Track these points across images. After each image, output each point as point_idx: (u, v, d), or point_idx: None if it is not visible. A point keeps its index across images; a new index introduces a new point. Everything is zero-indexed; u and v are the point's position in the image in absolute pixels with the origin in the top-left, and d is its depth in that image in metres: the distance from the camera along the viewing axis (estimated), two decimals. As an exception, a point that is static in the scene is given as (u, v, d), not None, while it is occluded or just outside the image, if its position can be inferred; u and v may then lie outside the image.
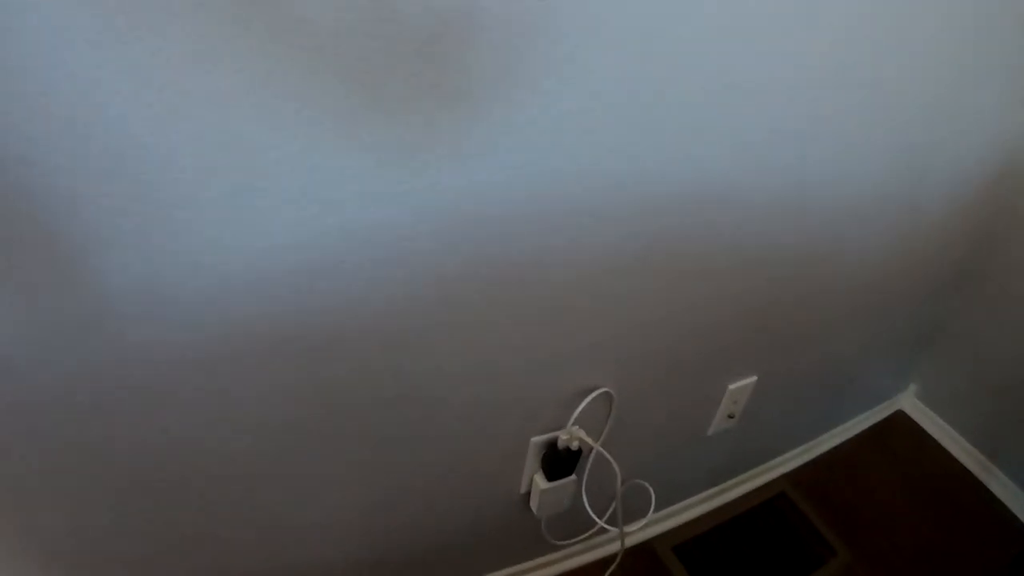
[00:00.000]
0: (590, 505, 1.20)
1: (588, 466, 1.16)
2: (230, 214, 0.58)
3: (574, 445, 1.06)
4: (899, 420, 1.90)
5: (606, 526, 1.22)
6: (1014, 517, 1.70)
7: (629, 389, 1.09)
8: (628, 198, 0.82)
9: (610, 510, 1.27)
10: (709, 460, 1.47)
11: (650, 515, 1.26)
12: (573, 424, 1.05)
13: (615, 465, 1.06)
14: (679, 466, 1.40)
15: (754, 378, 1.32)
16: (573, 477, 1.12)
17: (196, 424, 0.73)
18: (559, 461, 1.08)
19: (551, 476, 1.10)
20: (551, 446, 1.08)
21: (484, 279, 0.79)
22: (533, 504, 1.13)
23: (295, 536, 0.97)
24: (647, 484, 1.25)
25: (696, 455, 1.41)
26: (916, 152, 1.10)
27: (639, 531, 1.48)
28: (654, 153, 0.78)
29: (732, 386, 1.29)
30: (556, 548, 1.36)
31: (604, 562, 1.42)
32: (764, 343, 1.25)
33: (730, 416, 1.37)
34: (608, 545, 1.46)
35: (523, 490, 1.16)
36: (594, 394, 1.03)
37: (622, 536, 1.23)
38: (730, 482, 1.62)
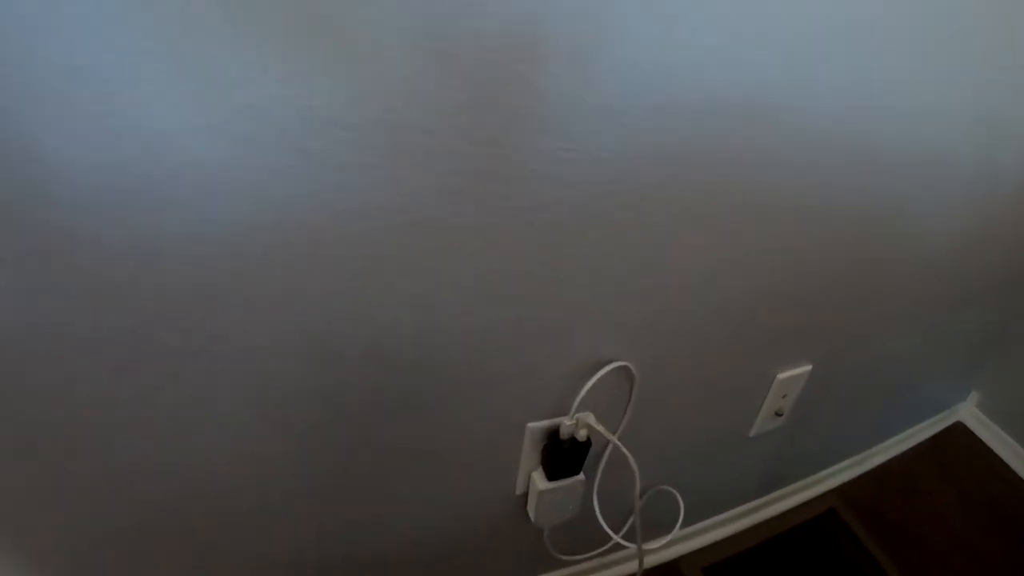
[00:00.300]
0: (603, 515, 0.91)
1: (601, 465, 0.88)
2: None
3: (581, 435, 0.77)
4: (958, 432, 1.60)
5: (623, 542, 0.93)
6: (1082, 538, 1.38)
7: (655, 366, 0.81)
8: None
9: (628, 523, 0.98)
10: (749, 467, 1.17)
11: (676, 530, 0.97)
12: (579, 408, 0.76)
13: (634, 465, 0.77)
14: (714, 472, 1.10)
15: (808, 367, 1.02)
16: (580, 477, 0.84)
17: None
18: (562, 455, 0.79)
19: (553, 474, 0.82)
20: (552, 436, 0.79)
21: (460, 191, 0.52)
22: (531, 509, 0.85)
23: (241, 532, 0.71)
24: (674, 492, 0.96)
25: (734, 460, 1.11)
26: (997, 124, 0.83)
27: (662, 549, 1.18)
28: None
29: (782, 375, 0.99)
30: (561, 564, 1.07)
31: (619, 584, 1.11)
32: (820, 326, 0.96)
33: (777, 414, 1.07)
34: (625, 564, 1.16)
35: (519, 491, 0.87)
36: (608, 368, 0.75)
37: (641, 554, 0.93)
38: (772, 495, 1.30)
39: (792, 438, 1.18)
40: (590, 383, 0.75)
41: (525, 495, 0.89)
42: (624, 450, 0.77)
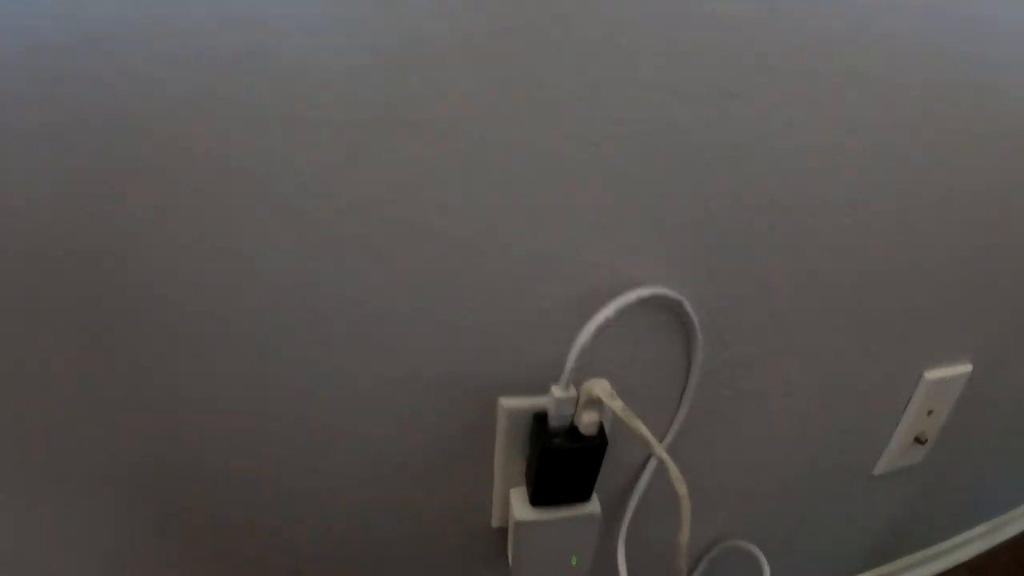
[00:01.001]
0: (638, 571, 0.47)
1: (636, 494, 0.45)
2: None
3: (587, 423, 0.36)
4: None
5: None
6: None
7: (729, 315, 0.40)
8: None
9: None
10: (866, 523, 0.69)
11: None
12: (582, 369, 0.36)
13: (685, 497, 0.34)
14: (817, 528, 0.64)
15: (967, 367, 0.56)
16: (592, 507, 0.41)
17: None
18: (555, 459, 0.37)
19: (540, 495, 0.39)
20: (539, 424, 0.37)
21: None
22: (510, 553, 0.42)
23: None
24: (757, 553, 0.50)
25: (848, 511, 0.64)
26: None
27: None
28: None
29: (931, 374, 0.54)
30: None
31: None
32: (993, 306, 0.50)
33: (918, 440, 0.62)
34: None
35: (496, 522, 0.45)
36: (639, 294, 0.34)
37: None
38: (882, 569, 0.79)
39: (931, 483, 0.70)
40: (601, 317, 0.35)
41: (505, 530, 0.47)
42: (672, 468, 0.34)
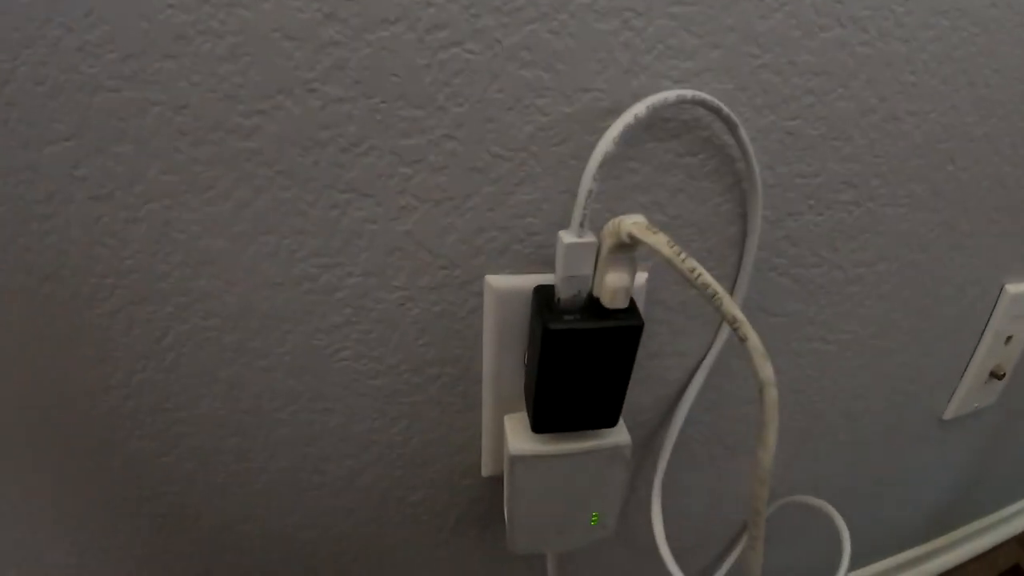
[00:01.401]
0: (677, 541, 0.31)
1: (680, 416, 0.29)
2: None
3: (611, 286, 0.21)
4: None
5: None
6: None
7: (789, 151, 0.24)
8: None
9: (727, 562, 0.36)
10: (934, 481, 0.52)
11: None
12: (596, 182, 0.23)
13: (770, 378, 0.19)
14: (884, 483, 0.47)
15: None
16: (620, 437, 0.25)
17: None
18: (564, 349, 0.25)
19: (544, 417, 0.23)
20: (541, 297, 0.21)
21: None
22: (506, 507, 0.26)
23: None
24: (828, 509, 0.34)
25: (914, 465, 0.48)
26: None
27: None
28: None
29: (1014, 287, 0.38)
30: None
31: None
32: None
33: (995, 375, 0.45)
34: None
35: (487, 470, 0.29)
36: (679, 94, 0.22)
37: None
38: (939, 541, 0.63)
39: (1002, 433, 0.54)
40: (629, 116, 0.20)
41: (500, 478, 0.31)
42: (751, 335, 0.19)
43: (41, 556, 0.34)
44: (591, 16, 0.24)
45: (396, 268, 0.27)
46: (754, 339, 0.21)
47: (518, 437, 0.29)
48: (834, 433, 0.43)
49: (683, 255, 0.21)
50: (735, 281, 0.32)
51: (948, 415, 0.51)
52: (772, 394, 0.21)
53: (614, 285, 0.24)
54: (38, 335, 0.27)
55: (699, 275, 0.21)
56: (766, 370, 0.21)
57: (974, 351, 0.47)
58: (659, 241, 0.22)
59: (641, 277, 0.29)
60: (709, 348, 0.33)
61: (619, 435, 0.30)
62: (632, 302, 0.26)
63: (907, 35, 0.29)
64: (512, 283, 0.28)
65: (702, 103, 0.25)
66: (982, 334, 0.47)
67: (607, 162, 0.23)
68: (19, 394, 0.28)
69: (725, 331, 0.32)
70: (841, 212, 0.33)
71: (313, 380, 0.30)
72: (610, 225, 0.24)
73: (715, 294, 0.21)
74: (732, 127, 0.27)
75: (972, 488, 0.62)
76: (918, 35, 0.29)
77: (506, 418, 0.30)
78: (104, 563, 0.35)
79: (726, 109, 0.26)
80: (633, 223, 0.23)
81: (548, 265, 0.28)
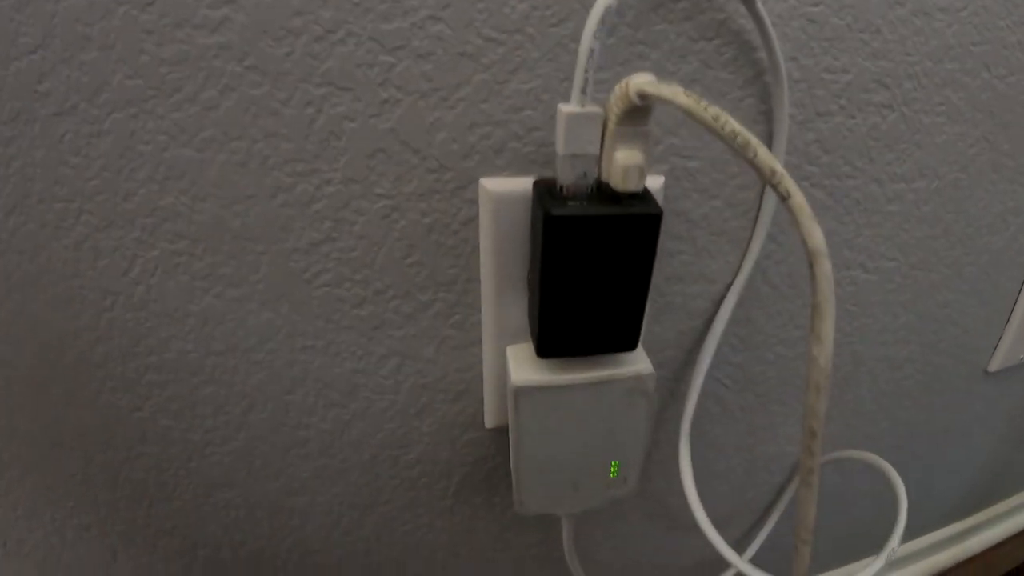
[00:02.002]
0: (707, 501, 0.26)
1: (710, 345, 0.25)
2: None
3: (622, 163, 0.19)
4: None
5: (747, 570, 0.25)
6: None
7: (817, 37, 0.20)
8: None
9: (767, 527, 0.31)
10: (976, 442, 0.46)
11: (894, 546, 0.27)
12: (600, 37, 0.21)
13: (820, 246, 0.17)
14: (931, 440, 0.42)
15: None
16: (640, 366, 0.21)
17: None
18: (569, 243, 0.21)
19: (550, 337, 0.20)
20: (543, 191, 0.18)
21: None
22: (512, 454, 0.21)
23: None
24: (881, 464, 0.28)
25: (956, 424, 0.42)
26: None
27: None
28: None
29: None
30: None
31: None
32: None
33: None
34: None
35: (491, 421, 0.24)
36: None
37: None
38: (981, 515, 0.56)
39: None
40: None
41: (507, 429, 0.27)
42: (796, 193, 0.15)
43: (22, 535, 0.30)
44: None
45: (379, 173, 0.24)
46: (799, 197, 0.16)
47: (522, 367, 0.25)
48: (875, 380, 0.37)
49: (704, 103, 0.17)
50: (762, 192, 0.28)
51: (993, 367, 0.45)
52: (825, 266, 0.17)
53: (625, 163, 0.20)
54: (6, 278, 0.23)
55: (725, 123, 0.17)
56: (816, 235, 0.16)
57: (1018, 296, 0.42)
58: (674, 92, 0.18)
59: (658, 181, 0.25)
60: (738, 271, 0.29)
61: (640, 362, 0.25)
62: (647, 189, 0.22)
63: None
64: (511, 186, 0.24)
65: None
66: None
67: (609, 17, 0.20)
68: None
69: (755, 249, 0.28)
70: (875, 116, 0.29)
71: (291, 311, 0.26)
72: (617, 89, 0.20)
73: (748, 143, 0.17)
74: (748, 2, 0.23)
75: (1017, 453, 0.55)
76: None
77: (509, 349, 0.26)
78: (87, 540, 0.31)
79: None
80: (643, 80, 0.19)
81: (551, 165, 0.24)
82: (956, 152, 0.32)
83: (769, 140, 0.27)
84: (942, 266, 0.35)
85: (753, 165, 0.17)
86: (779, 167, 0.17)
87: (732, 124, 0.17)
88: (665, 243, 0.27)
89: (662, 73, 0.24)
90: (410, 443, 0.30)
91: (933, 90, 0.30)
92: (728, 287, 0.29)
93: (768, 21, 0.24)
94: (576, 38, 0.23)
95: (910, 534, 0.53)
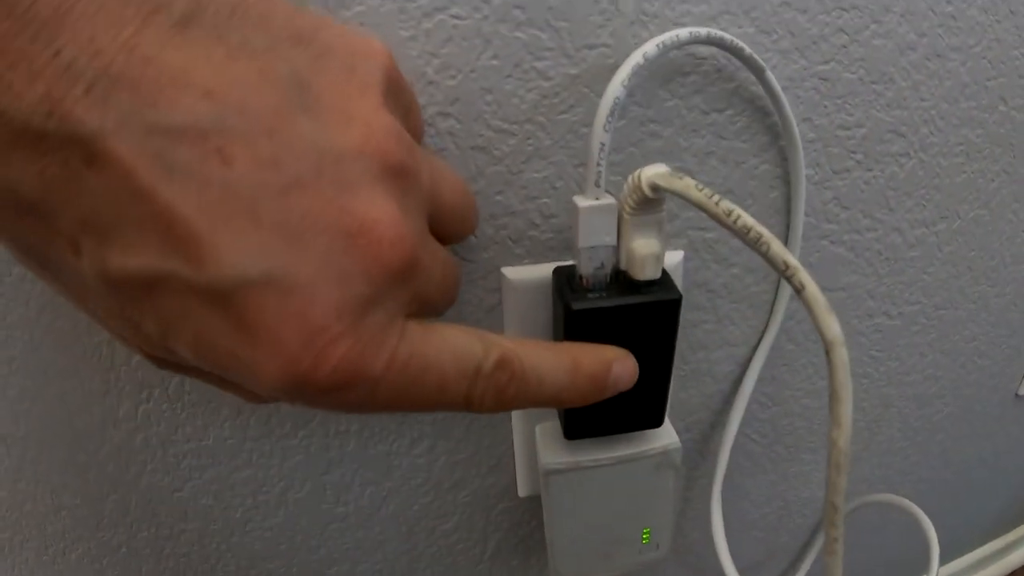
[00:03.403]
0: (736, 553, 0.24)
1: (738, 410, 0.23)
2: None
3: (640, 252, 0.20)
4: None
5: None
6: None
7: (827, 98, 0.19)
8: None
9: (802, 572, 0.29)
10: (1015, 463, 0.43)
11: None
12: (608, 129, 0.19)
13: (837, 336, 0.16)
14: (961, 470, 0.39)
15: None
16: (668, 439, 0.20)
17: None
18: (589, 330, 0.19)
19: (577, 421, 0.18)
20: (562, 279, 0.20)
21: None
22: (547, 528, 0.20)
23: None
24: (910, 507, 0.26)
25: (988, 447, 0.39)
26: None
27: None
28: None
29: None
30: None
31: None
32: None
33: None
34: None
35: (524, 490, 0.23)
36: (693, 32, 0.22)
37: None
38: (1018, 531, 0.53)
39: None
40: (638, 55, 0.17)
41: (539, 498, 0.25)
42: (811, 286, 0.13)
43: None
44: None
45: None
46: (813, 288, 0.15)
47: (550, 449, 0.23)
48: (905, 420, 0.35)
49: (716, 197, 0.16)
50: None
51: (1021, 389, 0.42)
52: (842, 354, 0.15)
53: (642, 252, 0.19)
54: (43, 372, 0.23)
55: (738, 217, 0.15)
56: (832, 326, 0.15)
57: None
58: (687, 186, 0.16)
59: (676, 256, 0.24)
60: (763, 334, 0.27)
61: (666, 437, 0.24)
62: (665, 273, 0.20)
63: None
64: (531, 274, 0.22)
65: (719, 42, 0.20)
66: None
67: (617, 109, 0.18)
68: (36, 440, 0.24)
69: (779, 313, 0.26)
70: (892, 166, 0.27)
71: (322, 400, 0.25)
72: (630, 181, 0.18)
73: (760, 237, 0.15)
74: (758, 72, 0.22)
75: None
76: None
77: (537, 428, 0.25)
78: (132, 612, 0.30)
79: (748, 49, 0.21)
80: (655, 172, 0.17)
81: (570, 250, 0.23)
82: (976, 189, 0.30)
83: (787, 203, 0.25)
84: (967, 302, 0.33)
85: (767, 258, 0.15)
86: (792, 260, 0.15)
87: (745, 219, 0.15)
88: (687, 314, 0.25)
89: (676, 148, 0.23)
90: (446, 513, 0.29)
91: (950, 131, 0.28)
92: (754, 349, 0.27)
93: (779, 87, 0.22)
94: (586, 122, 0.22)
95: (947, 557, 0.50)
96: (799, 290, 0.15)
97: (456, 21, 0.20)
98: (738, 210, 0.16)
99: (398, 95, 0.16)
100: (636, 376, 0.19)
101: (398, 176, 0.14)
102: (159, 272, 0.11)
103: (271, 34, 0.12)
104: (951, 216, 0.30)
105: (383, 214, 0.13)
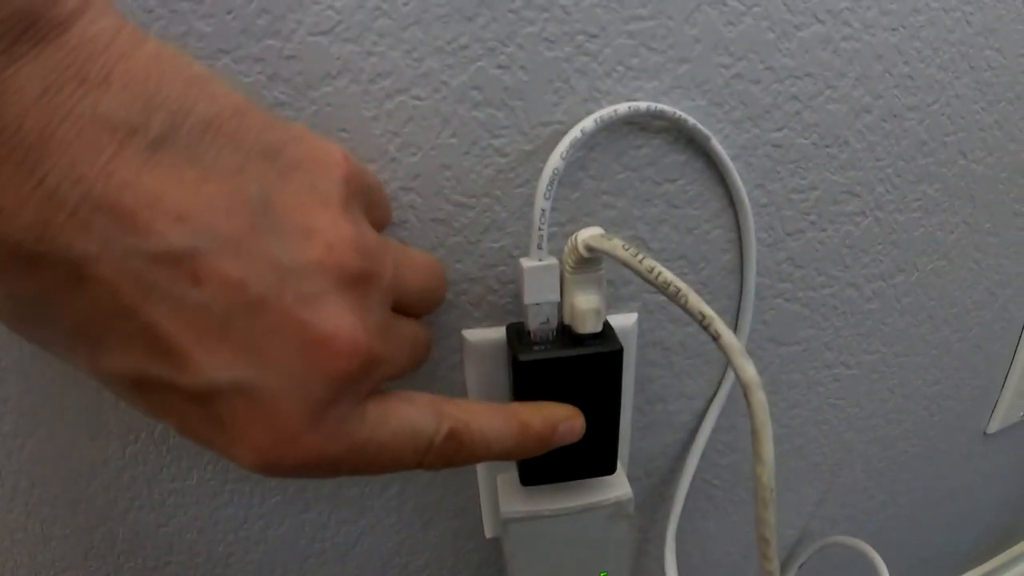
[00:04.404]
0: None
1: (693, 458, 0.24)
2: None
3: (580, 307, 0.21)
4: None
5: None
6: None
7: (776, 167, 0.20)
8: None
9: None
10: (983, 500, 0.43)
11: None
12: (549, 199, 0.20)
13: (760, 402, 0.17)
14: (929, 511, 0.39)
15: None
16: (617, 486, 0.21)
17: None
18: (536, 381, 0.21)
19: (531, 469, 0.23)
20: (514, 334, 0.21)
21: None
22: (509, 570, 0.21)
23: None
24: (864, 548, 0.27)
25: (961, 483, 0.39)
26: None
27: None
28: None
29: None
30: None
31: None
32: None
33: None
34: None
35: (491, 531, 0.24)
36: (632, 106, 0.22)
37: None
38: (989, 564, 0.53)
39: None
40: (576, 131, 0.17)
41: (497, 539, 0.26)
42: (732, 343, 0.14)
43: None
44: (541, 45, 0.20)
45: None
46: (728, 336, 0.16)
47: (509, 497, 0.24)
48: (868, 462, 0.35)
49: (640, 256, 0.17)
50: (738, 312, 0.26)
51: (992, 428, 0.42)
52: (759, 397, 0.16)
53: (583, 307, 0.20)
54: (33, 414, 0.24)
55: (659, 273, 0.16)
56: (747, 369, 0.16)
57: (1014, 356, 0.39)
58: (614, 246, 0.17)
59: (631, 319, 0.25)
60: (718, 387, 0.27)
61: (619, 488, 0.24)
62: (607, 325, 0.21)
63: (894, 23, 0.24)
64: (490, 335, 0.23)
65: (659, 115, 0.21)
66: (1021, 336, 0.39)
67: (556, 179, 0.19)
68: (28, 474, 0.25)
69: (730, 365, 0.27)
70: (847, 225, 0.27)
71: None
72: (569, 242, 0.19)
73: (678, 291, 0.16)
74: (703, 140, 0.22)
75: (1022, 505, 0.52)
76: (907, 22, 0.24)
77: (499, 478, 0.26)
78: (122, 638, 0.32)
79: (691, 120, 0.21)
80: (589, 235, 0.18)
81: (515, 313, 0.24)
82: (935, 242, 0.31)
83: (740, 264, 0.26)
84: (929, 349, 0.33)
85: (685, 310, 0.16)
86: (708, 310, 0.16)
87: (665, 275, 0.16)
88: (643, 370, 0.26)
89: (629, 218, 0.24)
90: (417, 551, 0.30)
91: (907, 188, 0.28)
92: (710, 400, 0.28)
93: (726, 156, 0.23)
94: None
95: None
96: (715, 338, 0.16)
97: (416, 102, 0.21)
98: (659, 267, 0.17)
99: (361, 195, 0.17)
100: (582, 432, 0.20)
101: (358, 284, 0.15)
102: (146, 375, 0.13)
103: (242, 151, 0.13)
104: (909, 269, 0.30)
105: (341, 326, 0.14)
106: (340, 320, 0.14)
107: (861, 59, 0.24)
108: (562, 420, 0.20)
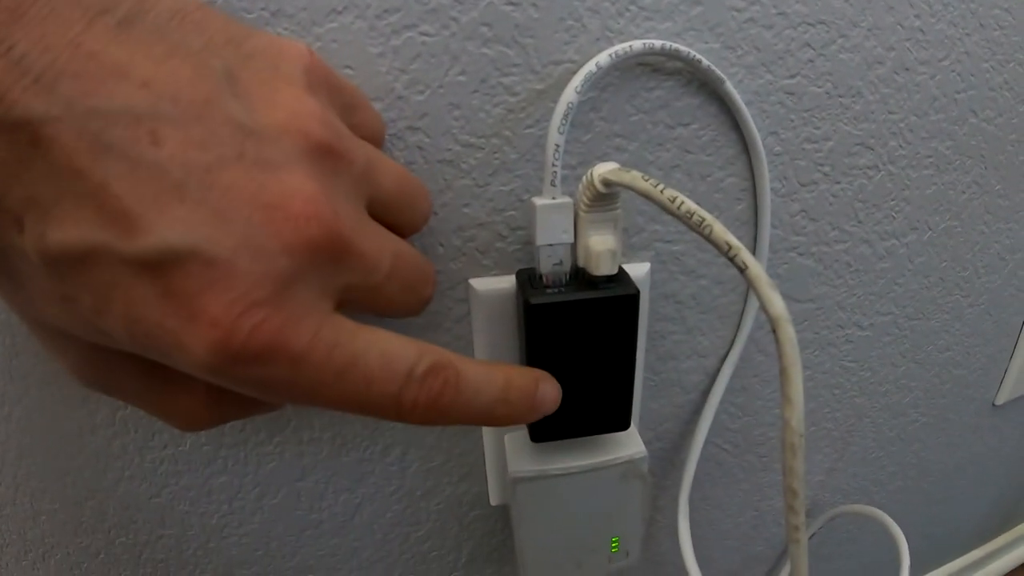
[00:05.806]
0: (710, 561, 0.24)
1: (706, 420, 0.23)
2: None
3: (595, 249, 0.19)
4: None
5: None
6: None
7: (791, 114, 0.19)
8: None
9: None
10: (992, 473, 0.43)
11: None
12: (563, 133, 0.19)
13: (783, 318, 0.16)
14: (938, 480, 0.39)
15: None
16: (630, 443, 0.21)
17: None
18: (549, 328, 0.20)
19: (542, 424, 0.21)
20: (525, 280, 0.20)
21: None
22: (515, 537, 0.20)
23: None
24: (881, 516, 0.26)
25: (966, 456, 0.39)
26: None
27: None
28: None
29: None
30: None
31: None
32: None
33: None
34: None
35: (496, 498, 0.23)
36: (647, 43, 0.21)
37: None
38: (1001, 539, 0.52)
39: None
40: (592, 65, 0.16)
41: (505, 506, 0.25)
42: (760, 273, 0.13)
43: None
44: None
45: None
46: (755, 267, 0.15)
47: (518, 457, 0.24)
48: (879, 430, 0.35)
49: (661, 186, 0.16)
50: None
51: (1001, 399, 0.42)
52: (788, 331, 0.15)
53: (598, 248, 0.19)
54: (23, 377, 0.23)
55: (681, 203, 0.16)
56: (776, 303, 0.15)
57: (1023, 326, 0.39)
58: (633, 177, 0.17)
59: (643, 267, 0.24)
60: (731, 345, 0.27)
61: (633, 446, 0.24)
62: (623, 270, 0.20)
63: None
64: (498, 284, 0.23)
65: (674, 54, 0.20)
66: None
67: (571, 113, 0.19)
68: (16, 444, 0.24)
69: (748, 324, 0.26)
70: (860, 178, 0.27)
71: (295, 406, 0.25)
72: (584, 178, 0.19)
73: (702, 221, 0.16)
74: (716, 83, 0.22)
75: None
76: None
77: (506, 437, 0.25)
78: (111, 618, 0.31)
79: (706, 61, 0.21)
80: (606, 168, 0.18)
81: (526, 262, 0.23)
82: (947, 201, 0.30)
83: (754, 215, 0.25)
84: (940, 313, 0.33)
85: (709, 240, 0.16)
86: (734, 240, 0.15)
87: (688, 204, 0.16)
88: (655, 325, 0.25)
89: (641, 162, 0.23)
90: (419, 521, 0.29)
91: (919, 144, 0.28)
92: (723, 360, 0.27)
93: (740, 99, 0.23)
94: (553, 137, 0.22)
95: (927, 567, 0.49)
96: (742, 269, 0.15)
97: (425, 38, 0.20)
98: (682, 196, 0.16)
99: (331, 92, 0.16)
100: (559, 399, 0.19)
101: (323, 156, 0.14)
102: (93, 244, 0.12)
103: (206, 36, 0.13)
104: (921, 228, 0.30)
105: (300, 190, 0.13)
106: (301, 185, 0.13)
107: (873, 9, 0.24)
108: (542, 378, 0.19)
